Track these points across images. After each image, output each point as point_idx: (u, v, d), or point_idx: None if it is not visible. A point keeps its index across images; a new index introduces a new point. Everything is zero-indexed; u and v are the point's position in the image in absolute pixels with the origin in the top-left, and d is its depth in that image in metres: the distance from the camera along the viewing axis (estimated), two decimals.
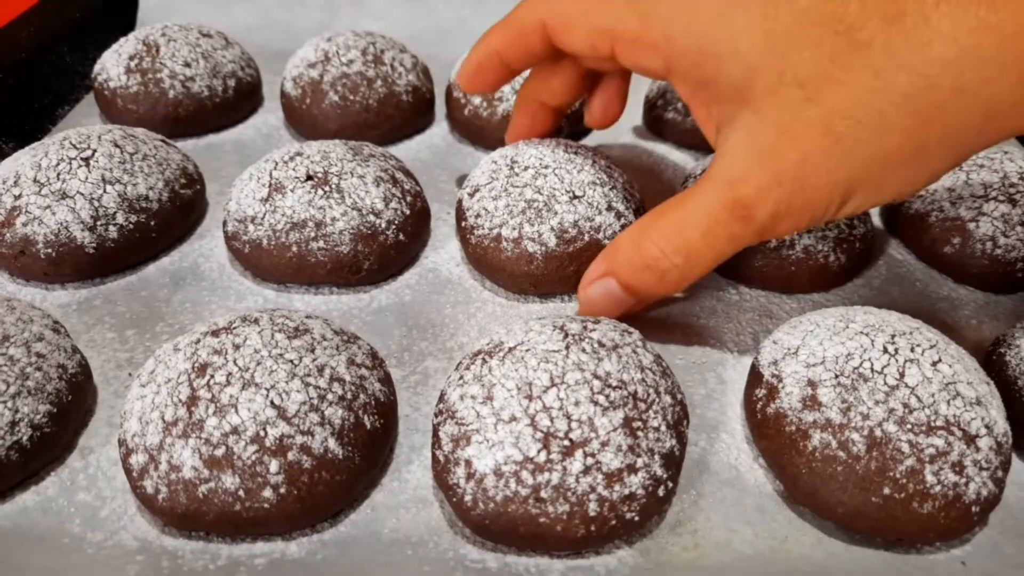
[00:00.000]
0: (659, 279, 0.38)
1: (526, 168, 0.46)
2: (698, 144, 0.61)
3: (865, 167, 0.34)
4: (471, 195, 0.47)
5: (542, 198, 0.44)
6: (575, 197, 0.44)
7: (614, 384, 0.34)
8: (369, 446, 0.35)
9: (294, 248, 0.46)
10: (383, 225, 0.47)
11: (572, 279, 0.44)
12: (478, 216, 0.46)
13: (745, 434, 0.39)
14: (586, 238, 0.44)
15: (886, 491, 0.32)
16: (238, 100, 0.62)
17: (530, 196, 0.44)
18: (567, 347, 0.34)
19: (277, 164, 0.48)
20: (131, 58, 0.59)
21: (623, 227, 0.45)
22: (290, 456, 0.33)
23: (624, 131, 0.64)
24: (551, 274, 0.44)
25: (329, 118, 0.58)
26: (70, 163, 0.47)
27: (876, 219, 0.54)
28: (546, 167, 0.46)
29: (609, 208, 0.45)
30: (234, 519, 0.33)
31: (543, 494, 0.32)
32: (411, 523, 0.35)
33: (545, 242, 0.44)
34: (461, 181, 0.58)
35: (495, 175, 0.46)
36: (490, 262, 0.45)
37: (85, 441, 0.38)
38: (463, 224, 0.47)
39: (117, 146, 0.48)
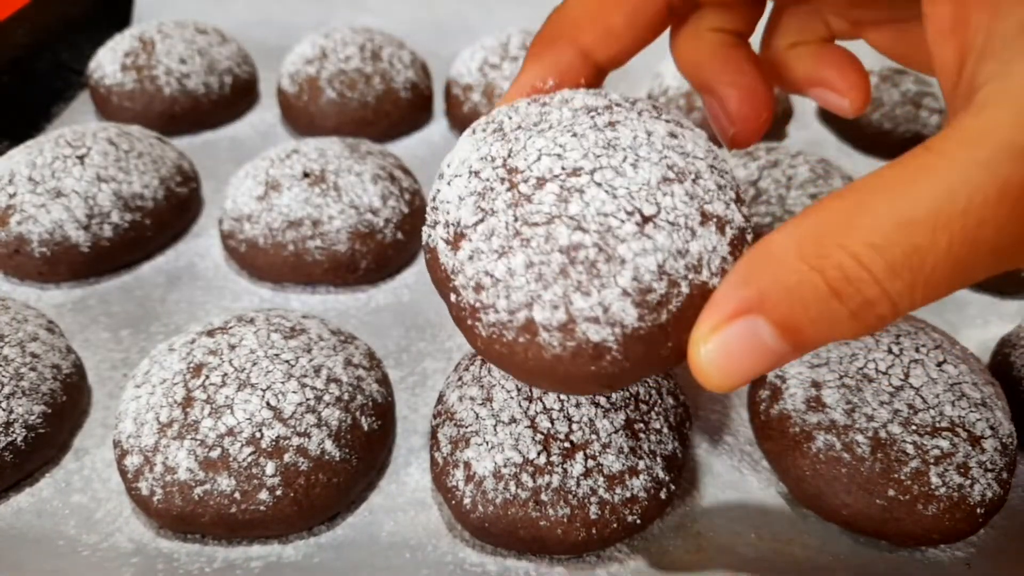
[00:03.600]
0: (853, 316, 0.21)
1: (541, 181, 0.25)
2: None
3: None
4: (452, 245, 0.26)
5: (590, 238, 0.24)
6: (646, 219, 0.25)
7: None
8: (366, 448, 0.35)
9: (291, 247, 0.45)
10: (381, 223, 0.46)
11: (671, 359, 0.25)
12: (480, 289, 0.25)
13: (748, 436, 0.39)
14: (684, 287, 0.24)
15: (891, 493, 0.32)
16: (234, 97, 0.62)
17: (567, 239, 0.24)
18: None
19: (273, 162, 0.48)
20: (126, 55, 0.59)
21: (736, 244, 0.26)
22: (286, 458, 0.33)
23: None
24: (637, 366, 0.25)
25: (326, 115, 0.58)
26: (65, 161, 0.46)
27: None
28: (577, 171, 0.25)
29: (706, 218, 0.25)
30: (230, 521, 0.32)
31: (543, 497, 0.31)
32: (409, 526, 0.35)
33: (618, 318, 0.24)
34: None
35: (486, 202, 0.26)
36: (525, 366, 0.26)
37: (80, 442, 0.38)
38: (455, 300, 0.27)
39: (112, 144, 0.48)
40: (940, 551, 0.34)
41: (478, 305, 0.25)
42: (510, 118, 0.28)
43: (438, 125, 0.63)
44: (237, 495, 0.32)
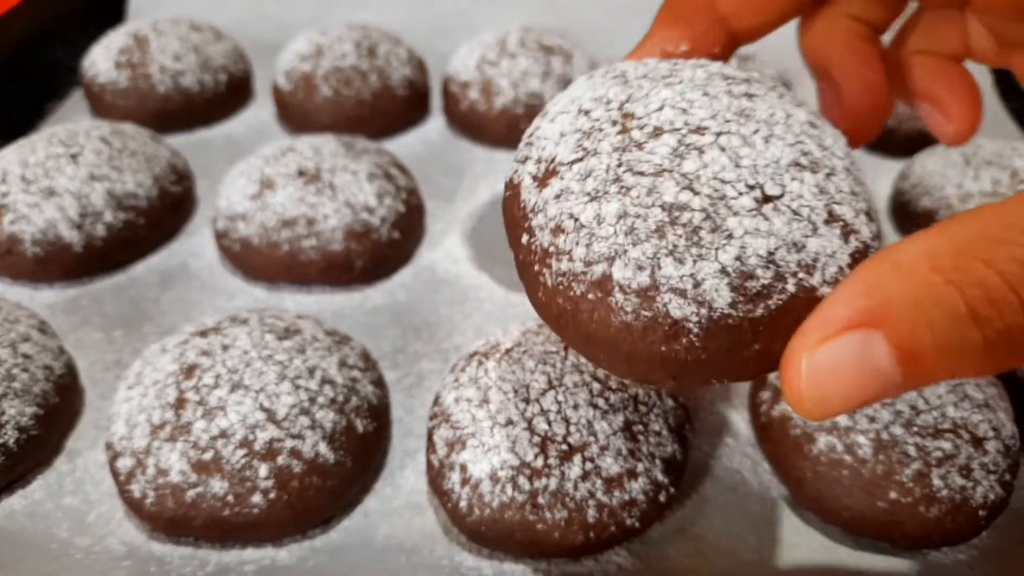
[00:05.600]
0: (986, 347, 0.18)
1: (657, 131, 0.23)
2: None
3: None
4: (539, 182, 0.24)
5: (699, 201, 0.22)
6: (767, 198, 0.22)
7: (614, 386, 0.33)
8: (361, 450, 0.35)
9: (285, 246, 0.45)
10: (376, 222, 0.46)
11: (751, 368, 0.22)
12: (559, 232, 0.23)
13: (749, 438, 0.38)
14: (790, 285, 0.21)
15: (892, 495, 0.32)
16: (229, 95, 0.61)
17: (673, 196, 0.22)
18: (565, 348, 0.34)
19: (268, 160, 0.47)
20: (120, 52, 0.59)
21: (858, 259, 0.22)
22: (280, 460, 0.32)
23: None
24: (711, 361, 0.22)
25: (322, 112, 0.58)
26: (57, 160, 0.46)
27: (884, 217, 0.53)
28: (701, 129, 0.23)
29: (832, 218, 0.22)
30: (223, 524, 0.32)
31: (540, 500, 0.31)
32: (405, 529, 0.34)
33: (708, 297, 0.21)
34: (458, 177, 0.57)
35: (590, 142, 0.23)
36: (586, 329, 0.23)
37: (72, 444, 0.37)
38: (526, 242, 0.24)
39: (105, 142, 0.47)
40: (942, 554, 0.34)
41: (552, 249, 0.22)
42: (635, 68, 0.25)
43: (435, 122, 0.63)
44: (230, 498, 0.32)
